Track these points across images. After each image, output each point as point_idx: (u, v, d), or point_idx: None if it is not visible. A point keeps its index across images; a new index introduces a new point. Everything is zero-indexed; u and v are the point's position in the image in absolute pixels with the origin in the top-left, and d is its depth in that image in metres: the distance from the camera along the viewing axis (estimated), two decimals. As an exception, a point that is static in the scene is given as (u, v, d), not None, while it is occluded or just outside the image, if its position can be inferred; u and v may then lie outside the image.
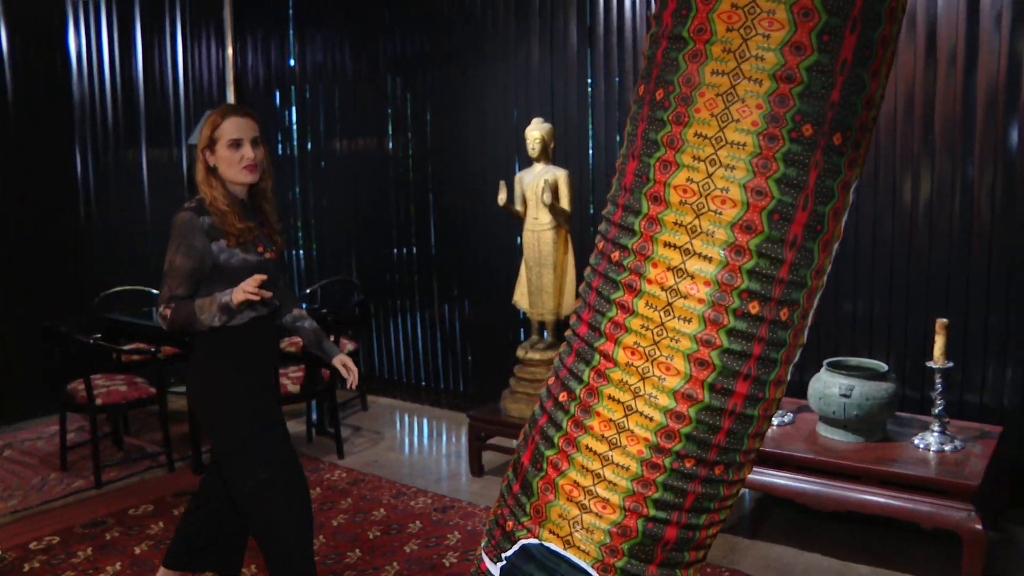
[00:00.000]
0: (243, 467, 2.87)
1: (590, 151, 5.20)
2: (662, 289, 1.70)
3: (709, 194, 1.66)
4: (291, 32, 6.68)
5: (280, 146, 6.87)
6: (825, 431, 3.85)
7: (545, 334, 4.76)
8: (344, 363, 3.15)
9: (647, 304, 1.73)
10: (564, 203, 4.48)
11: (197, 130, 6.11)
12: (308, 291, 6.42)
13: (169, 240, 2.80)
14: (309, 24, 6.59)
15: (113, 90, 6.30)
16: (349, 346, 5.61)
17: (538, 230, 4.54)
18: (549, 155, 4.57)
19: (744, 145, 1.64)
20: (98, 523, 4.20)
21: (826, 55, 1.63)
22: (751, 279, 1.66)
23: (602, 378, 1.80)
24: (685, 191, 1.68)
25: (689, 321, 1.69)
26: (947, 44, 4.09)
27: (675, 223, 1.69)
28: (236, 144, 2.80)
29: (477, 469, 4.82)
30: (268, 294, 2.73)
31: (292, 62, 6.71)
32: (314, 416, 5.51)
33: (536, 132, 4.52)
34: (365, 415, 6.06)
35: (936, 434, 3.69)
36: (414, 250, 6.23)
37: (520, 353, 4.72)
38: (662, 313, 1.71)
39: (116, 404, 4.68)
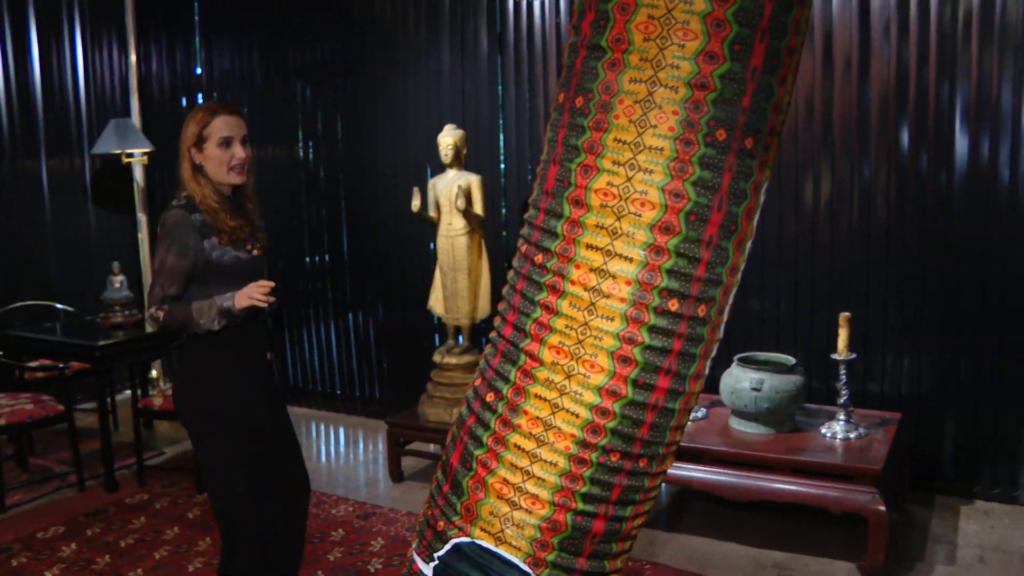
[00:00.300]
0: (224, 477, 2.81)
1: (502, 156, 5.26)
2: (585, 289, 1.76)
3: (629, 197, 1.72)
4: (197, 39, 6.57)
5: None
6: (737, 424, 3.99)
7: (461, 339, 4.79)
8: None
9: (571, 304, 1.78)
10: (477, 208, 4.53)
11: (101, 139, 5.95)
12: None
13: (159, 239, 2.72)
14: (216, 31, 6.49)
15: (8, 96, 6.07)
16: (263, 356, 5.54)
17: (452, 235, 4.58)
18: (462, 161, 4.61)
19: (662, 150, 1.70)
20: (3, 550, 4.06)
21: (737, 63, 1.71)
22: (670, 278, 1.73)
23: (528, 377, 1.85)
24: (606, 194, 1.74)
25: (612, 320, 1.75)
26: (842, 52, 4.28)
27: (596, 225, 1.75)
28: (227, 143, 2.72)
29: (397, 475, 4.82)
30: (274, 299, 2.69)
31: (199, 70, 6.59)
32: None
33: (449, 138, 4.55)
34: (281, 425, 5.99)
35: (842, 423, 3.86)
36: (326, 258, 6.19)
37: (437, 358, 4.75)
38: (585, 313, 1.76)
39: (21, 423, 4.53)
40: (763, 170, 1.80)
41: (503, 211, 5.31)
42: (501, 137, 5.22)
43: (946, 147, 4.13)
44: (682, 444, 3.86)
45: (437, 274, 4.76)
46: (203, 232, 2.69)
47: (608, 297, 1.74)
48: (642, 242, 1.72)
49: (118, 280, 5.28)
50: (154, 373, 6.61)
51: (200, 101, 6.61)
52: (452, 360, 4.68)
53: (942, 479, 4.35)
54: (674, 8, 1.70)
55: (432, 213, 4.66)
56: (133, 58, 6.78)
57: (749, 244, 1.85)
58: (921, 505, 4.25)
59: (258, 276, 2.77)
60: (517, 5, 5.08)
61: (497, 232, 5.27)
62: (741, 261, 1.83)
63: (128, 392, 6.30)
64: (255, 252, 2.84)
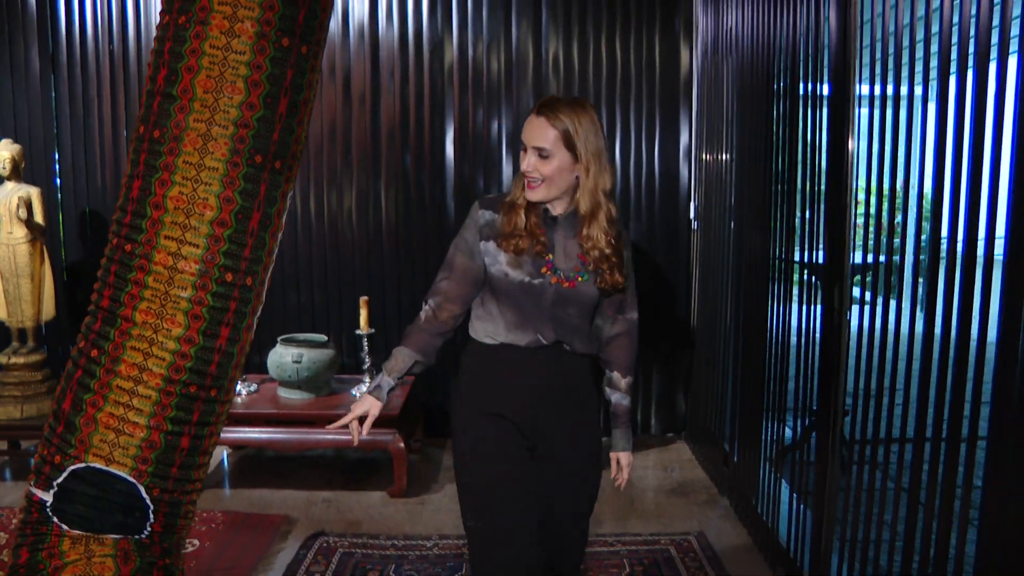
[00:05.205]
0: (462, 503, 2.60)
1: (56, 170, 5.57)
2: (165, 268, 2.48)
3: (195, 202, 2.48)
4: None
5: None
6: (284, 392, 4.81)
7: (27, 339, 5.08)
8: (619, 460, 2.67)
9: (155, 279, 2.49)
10: (39, 218, 4.88)
11: None
12: None
13: None
14: None
15: None
16: None
17: (13, 244, 4.88)
18: (20, 174, 4.93)
19: (217, 169, 2.48)
20: None
21: (269, 111, 2.54)
22: (226, 258, 2.51)
23: (125, 335, 2.52)
24: (178, 200, 2.48)
25: (185, 289, 2.49)
26: (358, 90, 5.32)
27: (172, 223, 2.48)
28: (524, 149, 2.39)
29: (-42, 483, 4.96)
30: (337, 425, 2.67)
31: None
32: None
33: (6, 152, 4.85)
34: None
35: (366, 384, 4.86)
36: None
37: (3, 360, 4.99)
38: (166, 285, 2.49)
39: None
40: (288, 183, 2.66)
41: (60, 222, 5.61)
42: (56, 154, 5.53)
43: (439, 167, 5.35)
44: (240, 411, 4.62)
45: (-2, 281, 5.01)
46: (484, 232, 2.48)
47: (182, 273, 2.49)
48: (205, 234, 2.49)
49: None
50: None
51: None
52: (19, 360, 4.96)
53: (448, 424, 5.53)
54: (225, 71, 2.49)
55: (-10, 222, 4.91)
56: None
57: (280, 234, 2.70)
58: (437, 447, 5.41)
59: (541, 304, 2.44)
60: (69, 28, 5.44)
61: (55, 241, 5.56)
62: (275, 246, 2.67)
63: None
64: (554, 279, 2.44)
